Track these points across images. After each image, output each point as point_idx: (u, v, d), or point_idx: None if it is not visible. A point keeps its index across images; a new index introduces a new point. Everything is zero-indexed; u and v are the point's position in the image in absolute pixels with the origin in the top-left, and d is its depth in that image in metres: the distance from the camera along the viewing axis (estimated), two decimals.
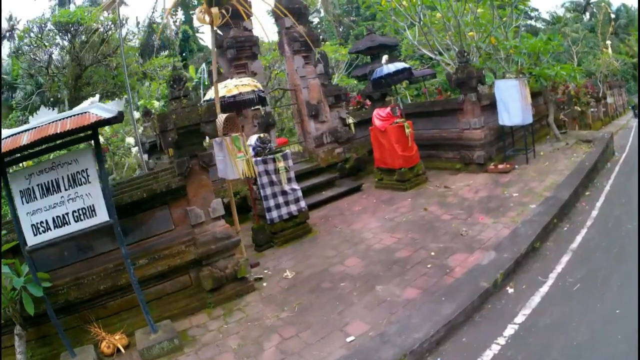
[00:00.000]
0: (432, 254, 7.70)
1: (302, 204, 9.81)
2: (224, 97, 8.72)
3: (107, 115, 5.24)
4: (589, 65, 35.58)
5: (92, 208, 5.77)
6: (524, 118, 12.38)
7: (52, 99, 20.94)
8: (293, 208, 9.64)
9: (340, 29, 42.19)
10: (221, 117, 7.96)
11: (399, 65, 13.20)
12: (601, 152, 13.04)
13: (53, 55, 20.30)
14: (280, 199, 9.45)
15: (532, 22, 44.09)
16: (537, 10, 45.04)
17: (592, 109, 27.70)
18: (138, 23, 35.55)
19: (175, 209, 7.17)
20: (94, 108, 5.41)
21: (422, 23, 15.01)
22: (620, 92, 40.68)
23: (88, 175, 5.75)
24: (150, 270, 6.72)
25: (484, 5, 14.56)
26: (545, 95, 15.96)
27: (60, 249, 6.39)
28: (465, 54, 12.84)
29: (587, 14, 46.37)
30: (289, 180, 9.58)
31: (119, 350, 6.15)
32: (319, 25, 44.62)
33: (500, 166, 12.29)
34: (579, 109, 23.27)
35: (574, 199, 9.46)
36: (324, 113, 14.23)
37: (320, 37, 40.37)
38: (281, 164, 9.36)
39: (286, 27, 13.81)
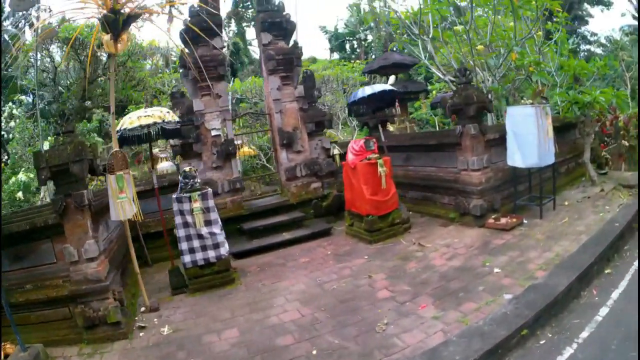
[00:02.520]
0: (314, 352, 5.59)
1: (222, 250, 8.45)
2: (124, 129, 8.21)
3: None
4: None
5: None
6: (542, 158, 9.54)
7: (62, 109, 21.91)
8: (211, 254, 8.39)
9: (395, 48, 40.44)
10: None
11: (377, 87, 10.71)
12: None
13: (64, 66, 21.13)
14: (196, 243, 8.30)
15: (591, 48, 40.60)
16: (596, 34, 41.49)
17: None
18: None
19: (57, 243, 7.21)
20: None
21: (430, 37, 12.51)
22: None
23: None
24: (33, 296, 7.00)
25: (507, 15, 11.92)
26: (580, 128, 12.92)
27: None
28: (468, 72, 10.12)
29: None
30: (208, 222, 8.30)
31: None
32: (372, 44, 42.92)
33: (503, 220, 9.45)
34: (627, 144, 19.82)
35: (579, 287, 6.54)
36: (300, 142, 12.20)
37: (368, 55, 39.25)
38: (197, 204, 8.12)
39: (263, 44, 12.09)
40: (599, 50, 39.61)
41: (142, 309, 7.76)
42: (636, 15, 58.93)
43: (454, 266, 7.79)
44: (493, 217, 9.64)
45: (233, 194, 11.25)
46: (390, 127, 15.41)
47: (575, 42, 37.31)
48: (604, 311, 5.94)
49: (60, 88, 20.48)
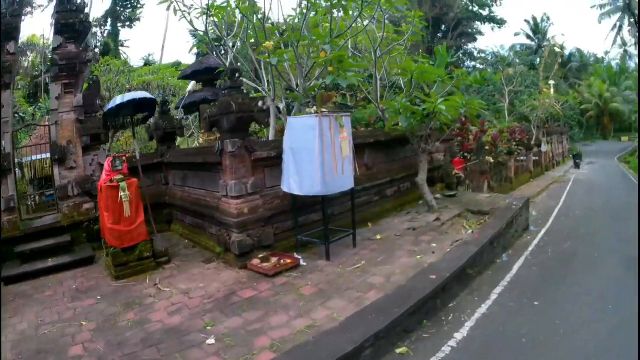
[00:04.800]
0: None
1: None
2: None
3: None
4: (521, 107, 31.64)
5: None
6: (329, 184, 7.59)
7: None
8: None
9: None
10: None
11: (128, 96, 9.14)
12: (489, 239, 8.23)
13: None
14: None
15: (477, 64, 40.47)
16: (484, 51, 41.36)
17: (520, 158, 23.53)
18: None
19: None
20: None
21: (234, 36, 10.58)
22: (561, 140, 36.98)
23: None
24: None
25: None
26: (414, 142, 10.98)
27: None
28: (237, 74, 8.17)
29: (538, 59, 43.27)
30: None
31: None
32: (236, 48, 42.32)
33: (272, 261, 7.55)
34: (492, 160, 18.61)
35: None
36: (74, 157, 10.42)
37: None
38: None
39: (53, 48, 10.64)
40: (483, 67, 39.58)
41: None
42: (531, 34, 60.87)
43: (169, 325, 5.90)
44: (260, 256, 7.71)
45: (9, 214, 9.72)
46: (200, 139, 13.45)
47: (456, 56, 36.99)
48: None
49: None
